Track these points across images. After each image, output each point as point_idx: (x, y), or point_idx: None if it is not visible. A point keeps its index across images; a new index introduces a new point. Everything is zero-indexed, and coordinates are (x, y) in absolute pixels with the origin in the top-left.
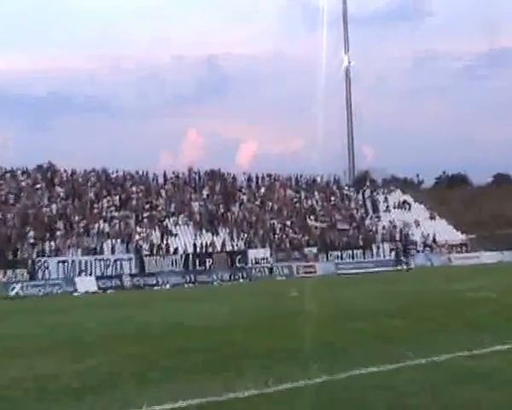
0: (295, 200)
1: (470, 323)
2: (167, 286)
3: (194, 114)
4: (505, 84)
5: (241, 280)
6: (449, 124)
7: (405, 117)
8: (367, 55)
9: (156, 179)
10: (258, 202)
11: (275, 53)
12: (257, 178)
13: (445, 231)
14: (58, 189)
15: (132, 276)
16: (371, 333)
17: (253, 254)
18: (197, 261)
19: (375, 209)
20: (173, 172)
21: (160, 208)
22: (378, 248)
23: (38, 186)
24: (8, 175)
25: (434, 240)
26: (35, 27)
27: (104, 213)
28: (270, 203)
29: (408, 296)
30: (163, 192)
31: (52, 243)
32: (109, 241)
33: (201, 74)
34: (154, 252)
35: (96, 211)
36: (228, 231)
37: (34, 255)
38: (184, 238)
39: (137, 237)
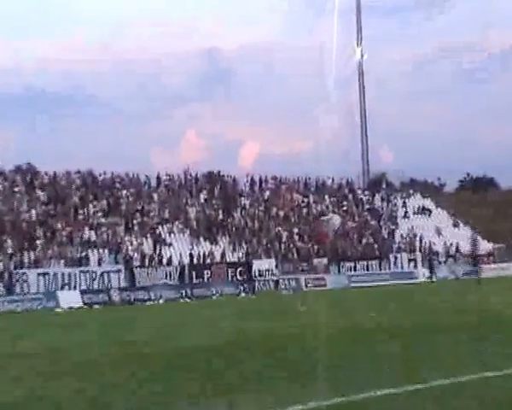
0: (303, 205)
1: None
2: (161, 301)
3: (193, 113)
4: None
5: (242, 294)
6: (475, 122)
7: (422, 115)
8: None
9: (148, 182)
10: (261, 208)
11: (279, 50)
12: (260, 180)
13: (469, 240)
14: (38, 192)
15: (121, 290)
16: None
17: (256, 265)
18: (194, 274)
19: (393, 215)
20: (167, 174)
21: (152, 214)
22: (395, 258)
23: (16, 190)
24: None
25: (458, 250)
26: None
27: (90, 220)
28: (276, 209)
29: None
30: (156, 196)
31: (31, 254)
32: (96, 251)
33: (201, 71)
34: (146, 263)
35: (80, 217)
36: (228, 239)
37: (11, 267)
38: (180, 248)
39: (127, 246)
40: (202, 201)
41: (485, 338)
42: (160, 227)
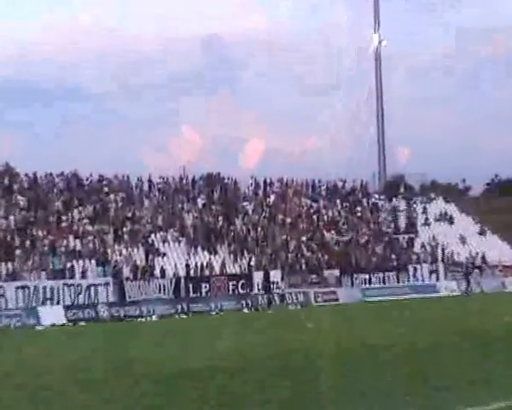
0: (312, 211)
1: None
2: (153, 317)
3: (188, 106)
4: None
5: (245, 310)
6: (500, 120)
7: (441, 112)
8: None
9: (140, 185)
10: (266, 214)
11: (286, 36)
12: (265, 183)
13: (497, 249)
14: (17, 197)
15: (110, 305)
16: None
17: (259, 277)
18: (190, 287)
19: (412, 222)
20: (161, 177)
21: (144, 221)
22: (415, 269)
23: None
24: None
25: (484, 260)
26: None
27: (75, 228)
28: (282, 215)
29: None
30: (148, 201)
31: (9, 265)
32: (81, 262)
33: (198, 60)
34: (137, 276)
35: (64, 224)
36: (229, 249)
37: None
38: (175, 258)
39: (116, 256)
40: (200, 206)
41: None
42: (152, 235)
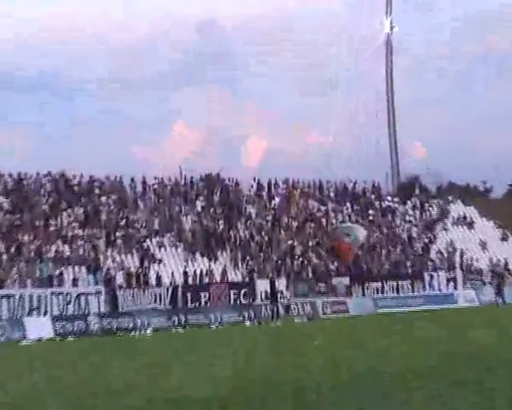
0: (320, 214)
1: None
2: (148, 331)
3: (183, 99)
4: None
5: (247, 322)
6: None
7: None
8: None
9: (134, 187)
10: (270, 217)
11: (291, 22)
12: (269, 184)
13: None
14: (1, 199)
15: (101, 316)
16: None
17: (263, 286)
18: (189, 296)
19: (428, 227)
20: (156, 178)
21: (138, 225)
22: (431, 277)
23: None
24: None
25: (507, 268)
26: None
27: (63, 232)
28: (287, 218)
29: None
30: (143, 204)
31: None
32: (70, 269)
33: (194, 48)
34: (132, 284)
35: (52, 229)
36: (230, 255)
37: None
38: (172, 265)
39: (108, 263)
40: (199, 209)
41: None
42: (148, 241)
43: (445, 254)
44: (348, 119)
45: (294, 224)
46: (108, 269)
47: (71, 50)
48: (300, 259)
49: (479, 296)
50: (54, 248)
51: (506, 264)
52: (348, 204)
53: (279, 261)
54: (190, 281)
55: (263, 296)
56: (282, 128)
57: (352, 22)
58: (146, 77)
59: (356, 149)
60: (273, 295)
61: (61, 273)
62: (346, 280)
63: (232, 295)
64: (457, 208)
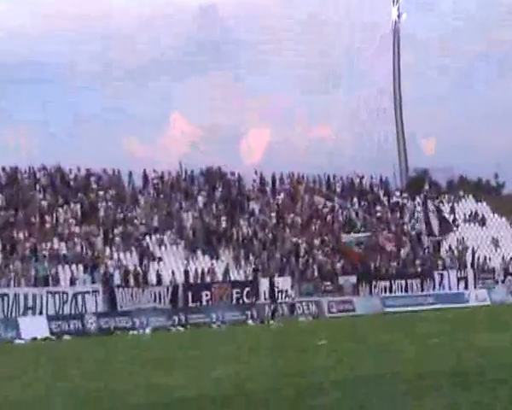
0: (326, 210)
1: None
2: (147, 330)
3: (182, 89)
4: None
5: (250, 322)
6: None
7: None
8: None
9: (132, 182)
10: (274, 214)
11: (294, 8)
12: (273, 179)
13: None
14: None
15: (99, 316)
16: None
17: (266, 285)
18: (189, 296)
19: (438, 223)
20: (156, 172)
21: (137, 222)
22: (441, 276)
23: None
24: None
25: None
26: None
27: (60, 229)
28: (292, 215)
29: None
30: (142, 200)
31: None
32: (67, 267)
33: (193, 35)
34: (130, 283)
35: (48, 226)
36: (232, 253)
37: None
38: (172, 263)
39: (106, 261)
40: (200, 205)
41: None
42: (147, 238)
43: (456, 253)
44: (355, 109)
45: (299, 220)
46: (106, 267)
47: (72, 36)
48: (305, 257)
49: (490, 296)
50: (50, 245)
51: None
52: (355, 200)
53: (283, 260)
54: (191, 280)
55: (266, 295)
56: (284, 122)
57: (358, 10)
58: (147, 67)
59: (363, 142)
60: (272, 294)
61: (56, 272)
62: (352, 279)
63: (234, 295)
64: (469, 205)
